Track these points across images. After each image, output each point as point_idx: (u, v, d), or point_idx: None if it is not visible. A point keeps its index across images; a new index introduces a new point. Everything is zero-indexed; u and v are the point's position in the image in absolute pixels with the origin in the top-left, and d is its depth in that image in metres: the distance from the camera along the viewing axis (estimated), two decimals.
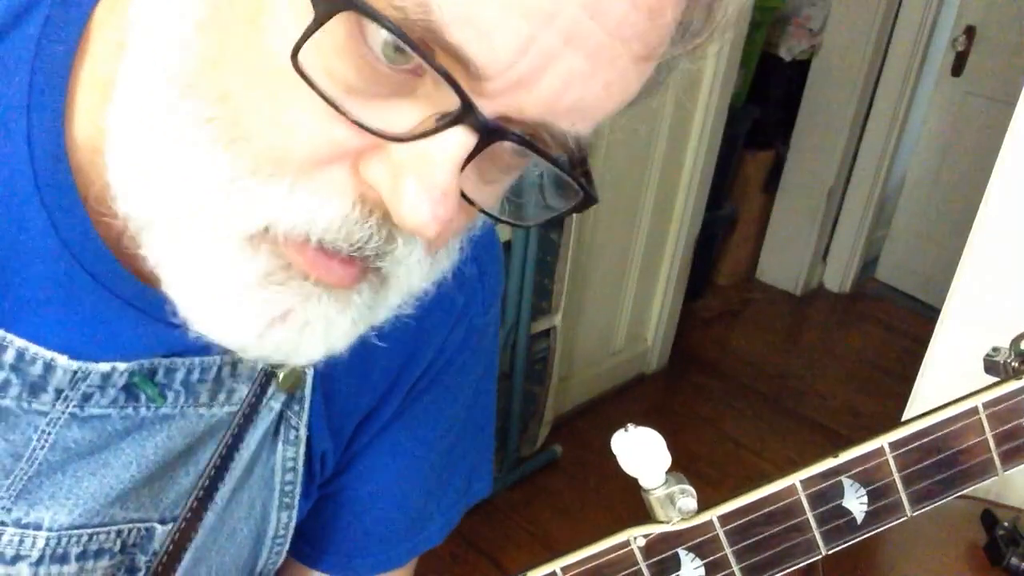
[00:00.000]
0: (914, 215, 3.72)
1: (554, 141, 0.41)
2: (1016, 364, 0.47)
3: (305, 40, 0.36)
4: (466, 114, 0.38)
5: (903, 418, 1.35)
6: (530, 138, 0.40)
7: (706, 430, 2.85)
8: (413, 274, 0.45)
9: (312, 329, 0.44)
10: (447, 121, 0.38)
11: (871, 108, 3.47)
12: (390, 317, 0.48)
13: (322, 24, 0.36)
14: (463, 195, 0.41)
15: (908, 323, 3.55)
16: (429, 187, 0.38)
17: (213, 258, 0.42)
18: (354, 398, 0.61)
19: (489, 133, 0.39)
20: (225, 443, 0.57)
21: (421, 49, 0.36)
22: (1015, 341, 0.47)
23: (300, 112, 0.38)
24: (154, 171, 0.41)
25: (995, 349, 0.48)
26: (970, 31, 3.31)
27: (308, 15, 0.36)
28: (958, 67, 3.39)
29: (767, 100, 3.39)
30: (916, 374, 1.36)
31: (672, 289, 2.96)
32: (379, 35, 0.37)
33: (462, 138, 0.38)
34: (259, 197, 0.40)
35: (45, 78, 0.45)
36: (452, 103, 0.37)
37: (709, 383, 3.13)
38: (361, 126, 0.38)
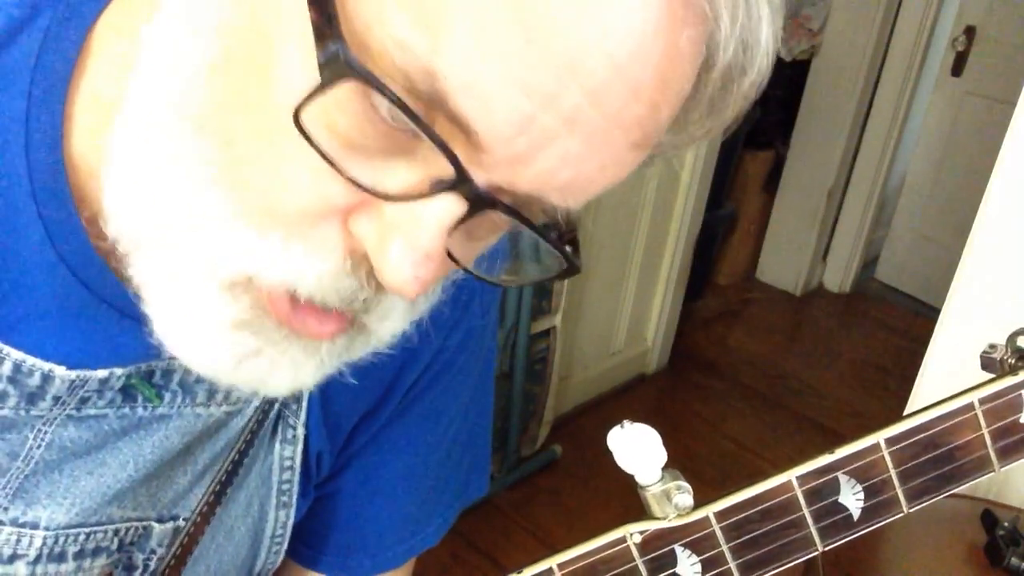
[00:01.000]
0: (914, 215, 3.72)
1: (544, 213, 0.42)
2: (1012, 360, 0.46)
3: (308, 101, 0.36)
4: (460, 183, 0.38)
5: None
6: (520, 208, 0.41)
7: (706, 430, 2.85)
8: (391, 323, 0.46)
9: (279, 368, 0.44)
10: (441, 187, 0.38)
11: (871, 108, 3.47)
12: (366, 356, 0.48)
13: (326, 88, 0.36)
14: (452, 257, 0.42)
15: (908, 323, 3.55)
16: (414, 248, 0.39)
17: (192, 296, 0.42)
18: (352, 398, 0.61)
19: (480, 202, 0.39)
20: (238, 447, 0.57)
21: (423, 121, 0.36)
22: (1011, 338, 0.47)
23: (298, 167, 0.39)
24: (151, 201, 0.41)
25: (992, 346, 0.48)
26: (970, 31, 3.31)
27: (316, 73, 0.36)
28: (958, 67, 3.39)
29: (767, 100, 3.39)
30: (916, 374, 1.36)
31: (672, 289, 2.96)
32: (384, 99, 0.37)
33: (453, 205, 0.39)
34: (249, 246, 0.40)
35: (44, 91, 0.45)
36: (448, 170, 0.38)
37: (709, 383, 3.13)
38: (356, 183, 0.38)
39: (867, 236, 3.74)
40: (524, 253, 0.49)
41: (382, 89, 0.36)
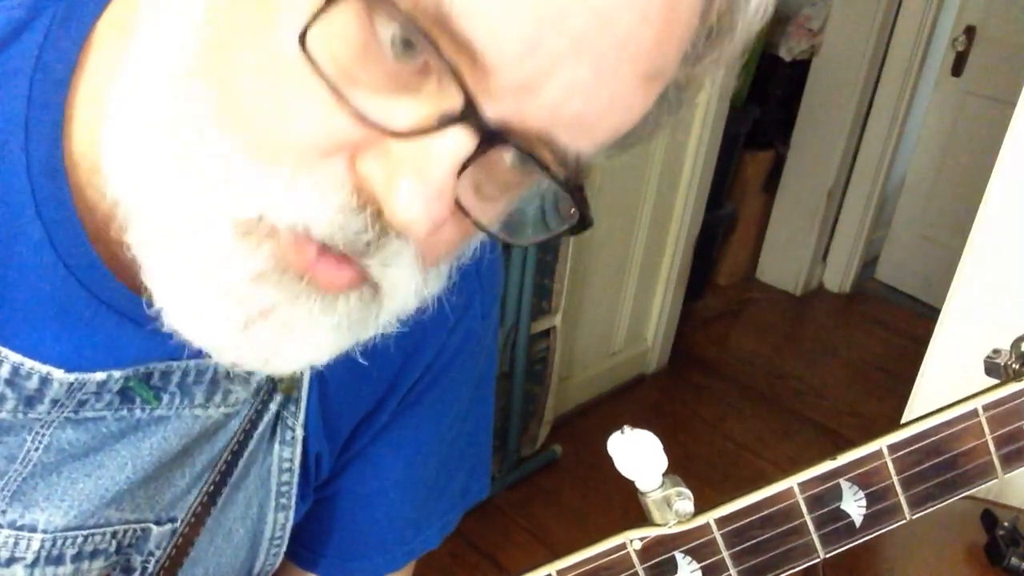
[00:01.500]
0: (914, 215, 3.72)
1: (554, 158, 0.41)
2: (1017, 366, 0.46)
3: (315, 20, 0.36)
4: (469, 114, 0.37)
5: (903, 418, 1.34)
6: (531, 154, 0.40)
7: (706, 430, 2.85)
8: (404, 284, 0.44)
9: (291, 331, 0.43)
10: (449, 119, 0.38)
11: (871, 108, 3.47)
12: (376, 335, 0.47)
13: (332, 5, 0.36)
14: (459, 206, 0.41)
15: (908, 323, 3.55)
16: (425, 184, 0.38)
17: (204, 247, 0.41)
18: (351, 400, 0.61)
19: (490, 137, 0.38)
20: (231, 448, 0.57)
21: (430, 37, 0.36)
22: (1016, 343, 0.47)
23: (302, 100, 0.38)
24: (150, 149, 0.41)
25: (996, 351, 0.48)
26: (970, 31, 3.31)
27: (319, 4, 0.36)
28: (958, 67, 3.39)
29: (767, 100, 3.39)
30: (916, 374, 1.36)
31: (672, 289, 2.96)
32: (388, 25, 0.37)
33: (462, 139, 0.38)
34: (256, 184, 0.39)
35: (44, 91, 0.45)
36: (455, 103, 0.37)
37: (709, 383, 3.13)
38: (361, 117, 0.38)
39: (867, 236, 3.74)
40: (530, 218, 0.49)
41: (389, 3, 0.35)
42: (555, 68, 0.37)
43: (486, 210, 0.44)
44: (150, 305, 0.43)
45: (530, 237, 0.49)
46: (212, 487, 0.57)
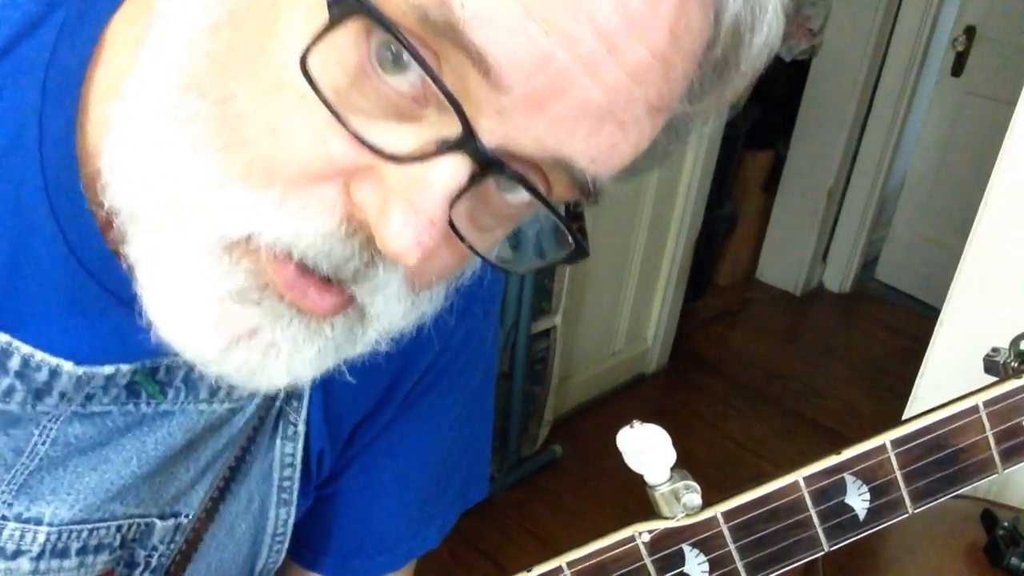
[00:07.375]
0: (914, 215, 3.73)
1: (571, 181, 0.41)
2: (1016, 364, 0.47)
3: (317, 42, 0.36)
4: (466, 140, 0.37)
5: (903, 418, 1.34)
6: (540, 184, 0.40)
7: (706, 430, 2.85)
8: (391, 309, 0.44)
9: (276, 352, 0.43)
10: (446, 146, 0.38)
11: (871, 108, 3.47)
12: (365, 352, 0.47)
13: (335, 26, 0.36)
14: (456, 231, 0.41)
15: (908, 323, 3.55)
16: (417, 212, 0.38)
17: (189, 263, 0.41)
18: (353, 398, 0.61)
19: (488, 164, 0.38)
20: (241, 443, 0.58)
21: (427, 63, 0.36)
22: (1014, 342, 0.47)
23: (299, 123, 0.38)
24: (146, 164, 0.41)
25: (995, 350, 0.48)
26: (970, 31, 3.32)
27: (322, 19, 0.36)
28: (958, 67, 3.39)
29: (767, 100, 3.38)
30: (916, 374, 1.36)
31: (672, 289, 2.96)
32: (386, 48, 0.37)
33: (459, 167, 0.38)
34: (246, 204, 0.39)
35: (58, 86, 0.45)
36: (453, 129, 0.37)
37: (709, 383, 3.13)
38: (359, 138, 0.38)
39: (867, 236, 3.74)
40: (529, 245, 0.49)
41: (389, 26, 0.35)
42: (567, 86, 0.37)
43: (481, 240, 0.44)
44: (141, 317, 0.44)
45: (526, 265, 0.49)
46: (223, 482, 0.58)
